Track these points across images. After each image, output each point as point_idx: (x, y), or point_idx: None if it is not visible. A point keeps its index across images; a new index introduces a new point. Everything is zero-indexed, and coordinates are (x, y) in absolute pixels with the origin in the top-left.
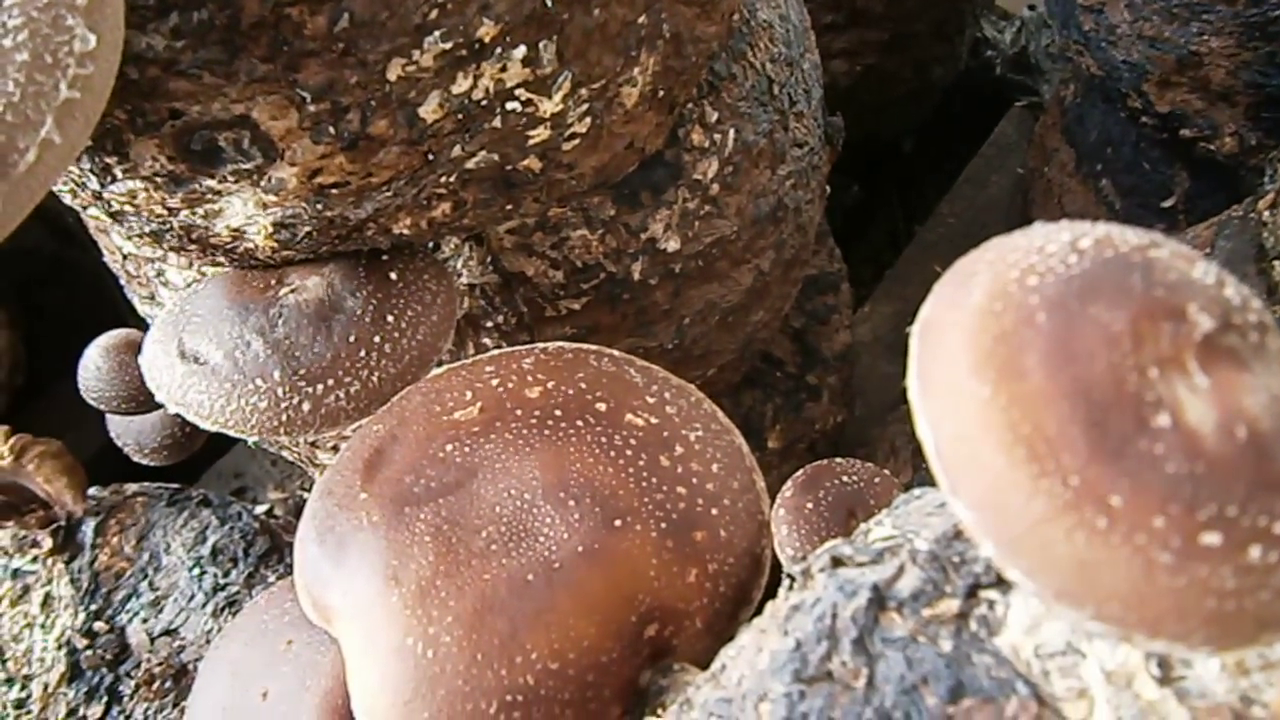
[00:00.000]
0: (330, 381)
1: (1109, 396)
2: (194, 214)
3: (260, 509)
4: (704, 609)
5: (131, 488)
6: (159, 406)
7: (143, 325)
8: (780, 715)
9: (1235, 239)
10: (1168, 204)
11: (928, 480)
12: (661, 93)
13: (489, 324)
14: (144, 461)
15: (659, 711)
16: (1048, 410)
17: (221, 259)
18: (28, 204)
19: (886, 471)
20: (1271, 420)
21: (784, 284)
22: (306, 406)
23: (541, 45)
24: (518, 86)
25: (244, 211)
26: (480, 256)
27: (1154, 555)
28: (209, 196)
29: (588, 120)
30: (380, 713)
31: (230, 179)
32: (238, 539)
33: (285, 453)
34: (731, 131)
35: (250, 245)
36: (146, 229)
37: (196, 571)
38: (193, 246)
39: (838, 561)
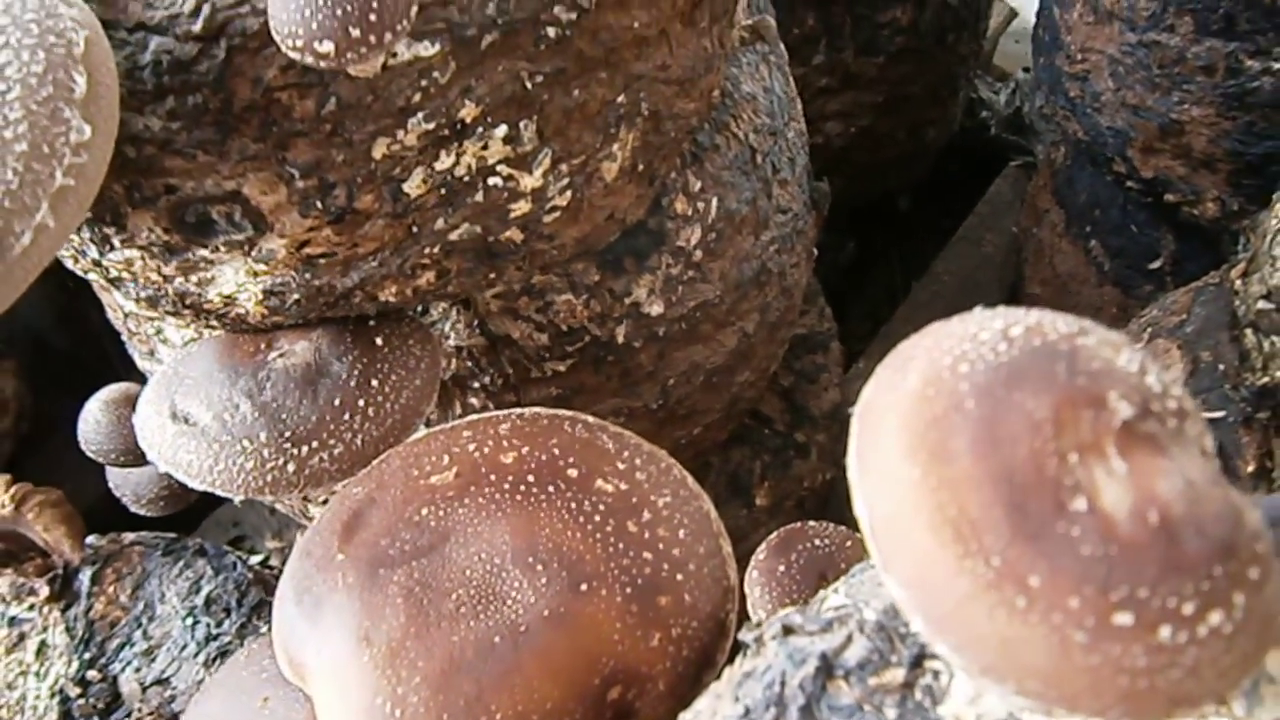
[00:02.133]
0: (315, 443)
1: (1030, 481)
2: (188, 281)
3: (255, 559)
4: (667, 672)
5: (129, 537)
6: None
7: (142, 379)
8: None
9: (1210, 305)
10: (1154, 266)
11: None
12: (641, 166)
13: (475, 385)
14: (141, 512)
15: None
16: (972, 493)
17: (214, 323)
18: (22, 284)
19: (858, 534)
20: (1184, 505)
21: (769, 345)
22: (291, 467)
23: (522, 124)
24: (499, 163)
25: (235, 279)
26: (467, 320)
27: (1070, 634)
28: (202, 265)
29: (568, 194)
30: None
31: (222, 249)
32: (231, 589)
33: (279, 505)
34: (715, 200)
35: (241, 311)
36: (143, 294)
37: (190, 621)
38: (186, 311)
39: (788, 630)
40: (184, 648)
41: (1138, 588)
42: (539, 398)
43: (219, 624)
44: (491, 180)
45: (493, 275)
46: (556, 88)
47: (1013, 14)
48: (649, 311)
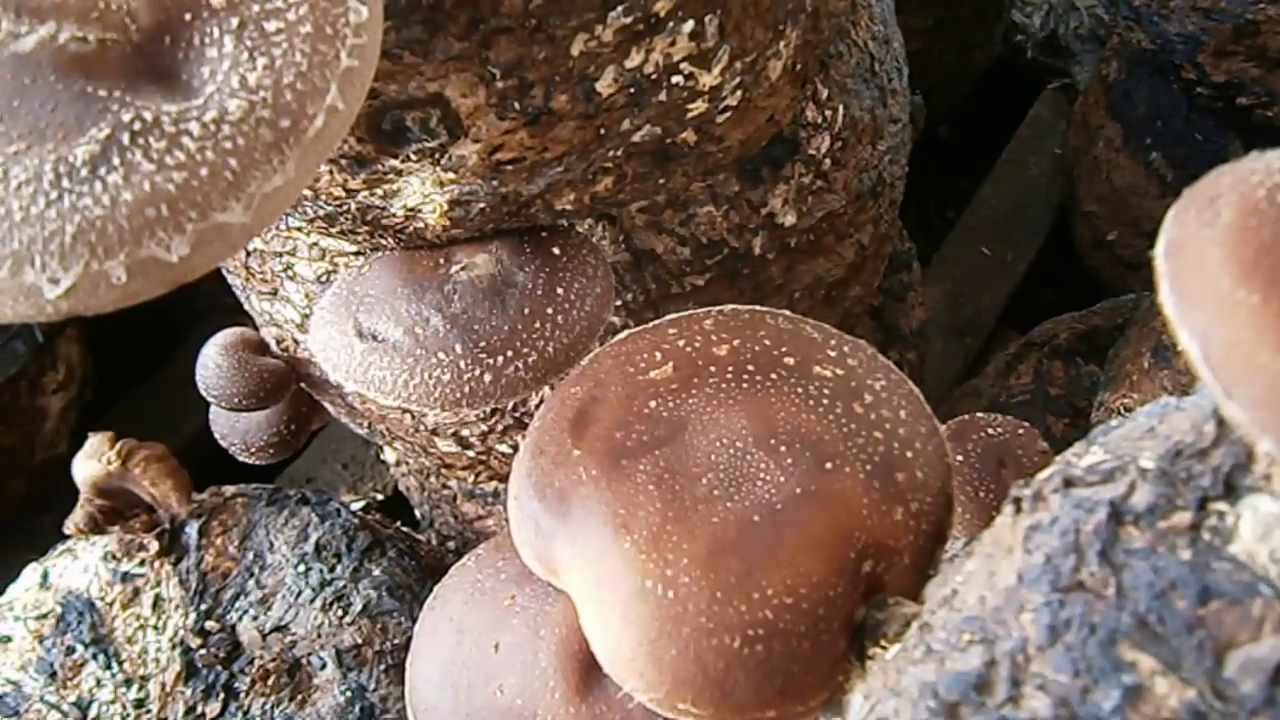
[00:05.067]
0: (509, 353)
1: None
2: (373, 195)
3: (355, 506)
4: (910, 546)
5: (230, 490)
6: (276, 403)
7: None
8: (1045, 622)
9: None
10: None
11: None
12: (799, 66)
13: (618, 302)
14: (250, 460)
15: (882, 643)
16: None
17: (389, 239)
18: (315, 166)
19: (1027, 424)
20: None
21: (876, 259)
22: (488, 378)
23: (707, 19)
24: (683, 60)
25: (421, 191)
26: (613, 235)
27: None
28: (389, 177)
29: (738, 93)
30: (626, 652)
31: (413, 158)
32: (339, 535)
33: (397, 443)
34: (841, 108)
35: (421, 224)
36: (320, 213)
37: (302, 568)
38: (363, 228)
39: (1069, 482)
40: (299, 594)
41: None
42: (676, 313)
43: (331, 569)
44: (674, 79)
45: (662, 180)
46: None
47: None
48: (783, 222)
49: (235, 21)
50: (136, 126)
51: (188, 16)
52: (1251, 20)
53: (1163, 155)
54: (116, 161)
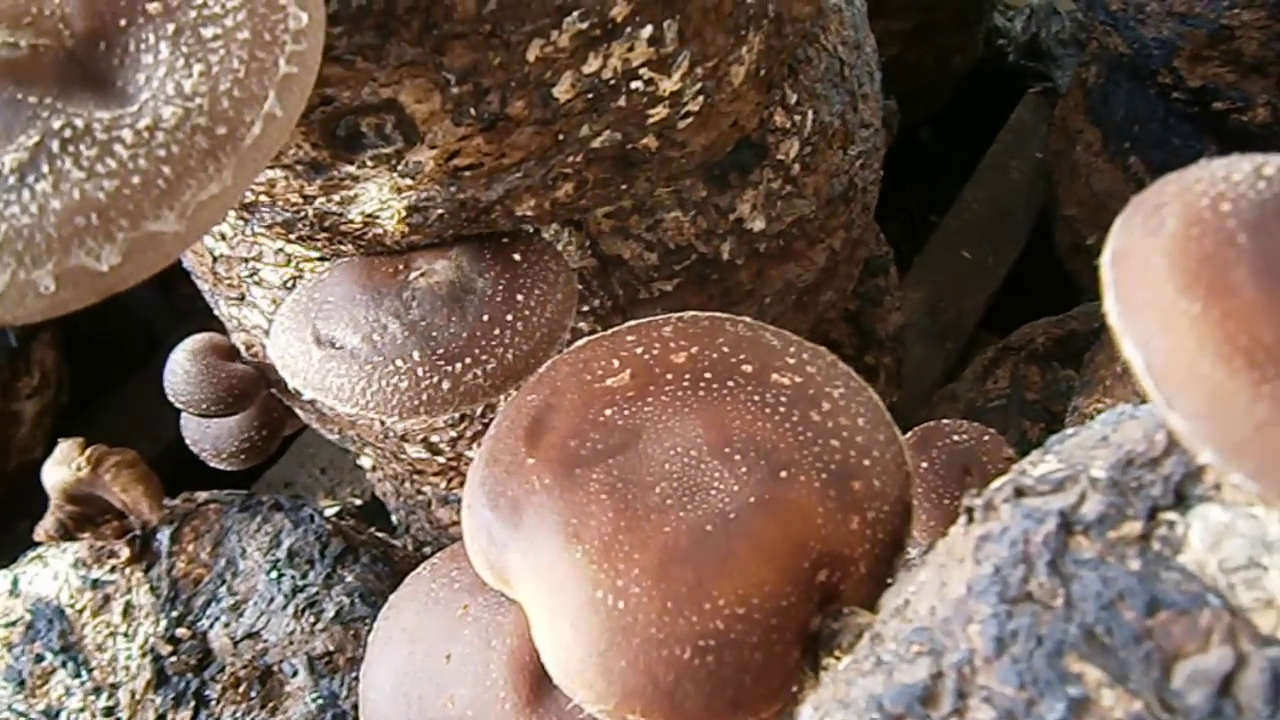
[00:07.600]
0: (468, 360)
1: None
2: (329, 201)
3: (330, 511)
4: (866, 555)
5: (202, 495)
6: (245, 408)
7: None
8: (992, 634)
9: None
10: None
11: None
12: (763, 72)
13: (585, 308)
14: (221, 466)
15: (836, 653)
16: (1263, 321)
17: (348, 246)
18: (252, 175)
19: (993, 430)
20: None
21: (849, 264)
22: (446, 385)
23: (666, 25)
24: (642, 66)
25: (379, 196)
26: (579, 241)
27: None
28: (346, 183)
29: (700, 99)
30: (575, 663)
31: (369, 164)
32: (312, 541)
33: (369, 449)
34: (810, 113)
35: (380, 231)
36: (278, 219)
37: (274, 575)
38: (322, 235)
39: (1020, 492)
40: (271, 601)
41: None
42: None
43: (304, 575)
44: (634, 84)
45: (625, 186)
46: None
47: None
48: (751, 227)
49: (171, 28)
50: (67, 134)
51: (123, 22)
52: (1226, 25)
53: (1141, 159)
54: (45, 169)
